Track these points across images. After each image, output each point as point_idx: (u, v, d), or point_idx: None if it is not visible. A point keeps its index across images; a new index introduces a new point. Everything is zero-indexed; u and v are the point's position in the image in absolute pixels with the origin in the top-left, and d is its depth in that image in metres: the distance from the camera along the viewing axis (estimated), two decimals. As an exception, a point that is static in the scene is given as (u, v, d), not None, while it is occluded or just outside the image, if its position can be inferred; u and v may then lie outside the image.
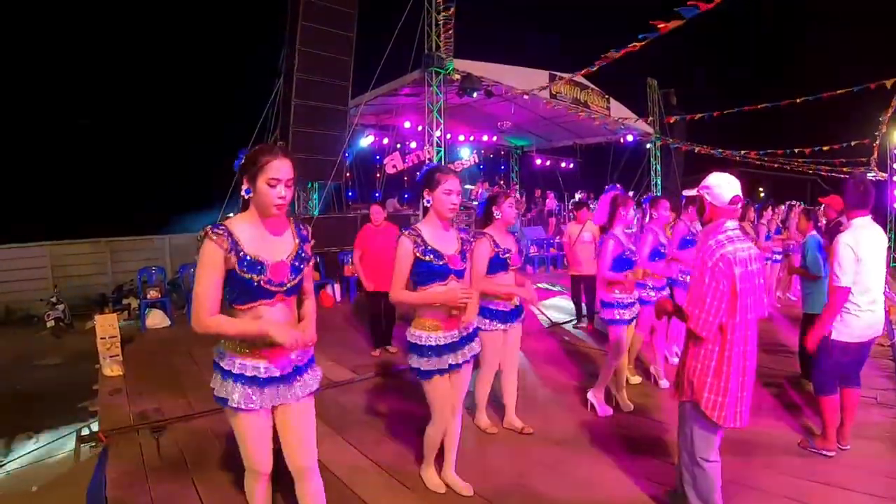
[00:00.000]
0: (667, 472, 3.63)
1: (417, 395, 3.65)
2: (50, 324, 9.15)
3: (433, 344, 3.19)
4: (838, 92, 11.39)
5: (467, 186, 17.52)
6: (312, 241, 2.64)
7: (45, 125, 22.28)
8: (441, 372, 3.24)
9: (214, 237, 2.30)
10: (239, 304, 2.40)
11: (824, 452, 3.90)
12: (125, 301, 9.91)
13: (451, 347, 3.24)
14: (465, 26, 12.81)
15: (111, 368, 6.13)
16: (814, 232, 5.29)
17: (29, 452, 4.85)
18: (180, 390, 5.59)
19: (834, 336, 3.86)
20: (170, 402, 5.24)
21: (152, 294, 8.99)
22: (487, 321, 4.17)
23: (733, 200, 2.89)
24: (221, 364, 2.47)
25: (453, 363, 3.25)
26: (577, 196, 18.88)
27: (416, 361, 3.25)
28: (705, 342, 2.81)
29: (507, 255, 4.13)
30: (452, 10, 12.29)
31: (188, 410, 5.04)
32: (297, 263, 2.51)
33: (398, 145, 17.71)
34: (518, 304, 4.35)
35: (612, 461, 3.94)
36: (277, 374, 2.47)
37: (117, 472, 3.91)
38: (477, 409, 4.56)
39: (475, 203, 15.47)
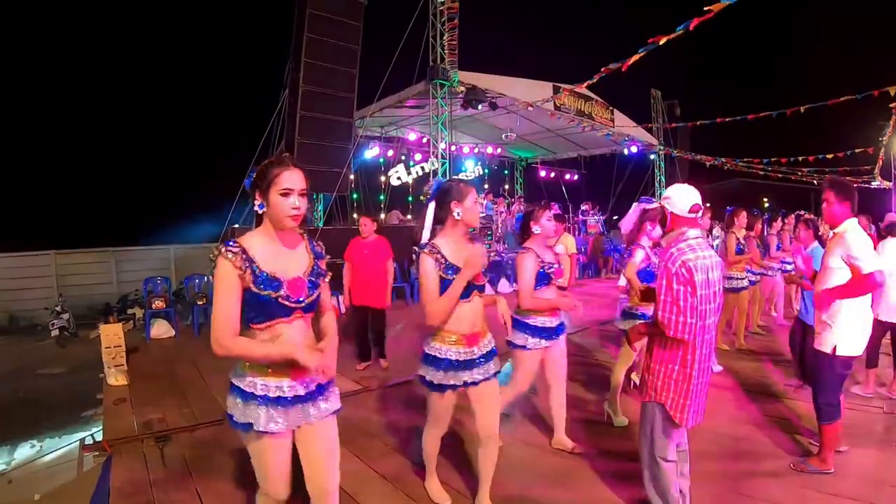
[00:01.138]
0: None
1: (422, 407, 3.63)
2: (54, 332, 9.18)
3: (451, 358, 3.09)
4: (841, 99, 11.45)
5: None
6: (328, 257, 2.58)
7: (53, 134, 22.42)
8: (454, 388, 3.13)
9: (228, 255, 2.25)
10: (256, 324, 2.33)
11: (822, 472, 3.80)
12: (130, 311, 9.95)
13: (469, 364, 3.13)
14: (469, 39, 12.91)
15: (116, 378, 6.14)
16: (815, 242, 5.28)
17: (32, 461, 4.85)
18: (184, 400, 5.60)
19: (840, 351, 3.76)
20: (174, 412, 5.24)
21: (157, 304, 9.01)
22: (529, 338, 4.01)
23: (692, 209, 3.01)
24: (241, 386, 2.35)
25: (468, 381, 3.13)
26: (582, 207, 18.91)
27: (429, 374, 3.14)
28: (670, 347, 2.95)
29: (550, 269, 4.04)
30: (456, 21, 12.37)
31: (192, 420, 5.03)
32: (313, 279, 2.45)
33: (403, 157, 17.76)
34: (562, 319, 4.21)
35: (616, 470, 3.92)
36: (302, 392, 2.38)
37: (121, 481, 3.90)
38: (506, 420, 4.33)
39: (481, 215, 15.45)
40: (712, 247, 3.84)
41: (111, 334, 6.37)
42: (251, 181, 2.39)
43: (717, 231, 10.68)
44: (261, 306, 2.30)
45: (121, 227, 17.37)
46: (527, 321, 4.02)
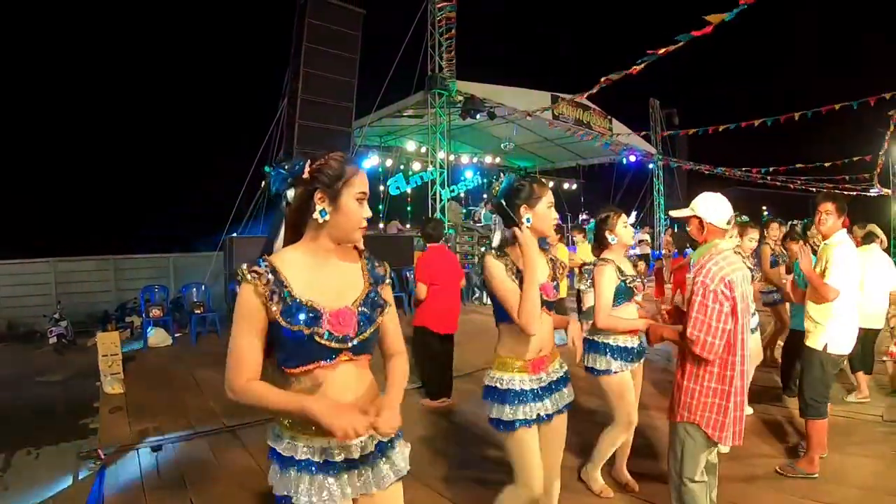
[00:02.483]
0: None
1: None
2: (52, 340, 9.19)
3: (518, 388, 2.61)
4: (837, 106, 11.50)
5: (471, 208, 17.59)
6: (389, 281, 2.03)
7: (53, 141, 22.48)
8: (528, 423, 2.60)
9: (250, 277, 1.74)
10: (290, 367, 1.80)
11: (808, 475, 3.85)
12: (128, 319, 9.98)
13: (539, 394, 2.65)
14: (467, 49, 12.99)
15: (112, 386, 6.17)
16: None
17: (28, 468, 4.85)
18: (181, 409, 5.62)
19: (831, 349, 3.87)
20: (170, 422, 5.25)
21: (155, 313, 9.05)
22: (612, 361, 3.56)
23: (729, 221, 2.92)
24: (279, 450, 1.84)
25: (542, 413, 2.63)
26: (581, 217, 18.95)
27: (496, 411, 2.62)
28: (706, 364, 2.79)
29: (633, 283, 3.59)
30: (454, 31, 12.45)
31: (188, 429, 5.05)
32: (366, 310, 1.87)
33: (401, 167, 17.81)
34: (641, 339, 3.69)
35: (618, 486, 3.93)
36: (356, 455, 1.84)
37: (116, 490, 3.93)
38: (592, 465, 3.81)
39: (479, 225, 15.50)
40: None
41: (108, 342, 6.41)
42: (294, 177, 1.83)
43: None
44: (294, 345, 1.77)
45: (120, 234, 17.41)
46: (607, 342, 3.59)
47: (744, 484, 3.77)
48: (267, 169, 1.90)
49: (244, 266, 1.76)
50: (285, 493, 1.80)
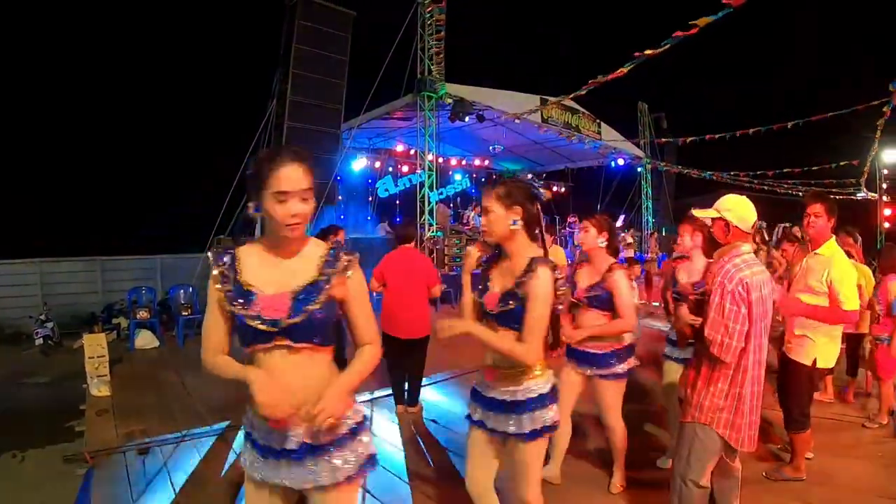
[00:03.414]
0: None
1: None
2: (38, 342, 9.12)
3: (474, 385, 2.70)
4: (828, 115, 11.63)
5: (460, 210, 17.62)
6: (350, 273, 2.01)
7: (38, 141, 22.30)
8: (470, 420, 2.70)
9: (215, 264, 1.95)
10: (243, 346, 1.95)
11: (795, 479, 3.90)
12: (115, 321, 9.90)
13: (479, 398, 2.66)
14: (457, 51, 13.02)
15: (99, 389, 6.13)
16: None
17: (14, 472, 4.83)
18: (168, 412, 5.60)
19: (820, 364, 3.86)
20: (157, 424, 5.24)
21: (142, 314, 9.00)
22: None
23: (753, 224, 2.93)
24: (244, 421, 2.07)
25: (475, 417, 2.66)
26: (569, 220, 19.02)
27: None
28: (720, 365, 2.77)
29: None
30: (443, 33, 12.48)
31: (175, 432, 5.03)
32: (303, 297, 1.91)
33: (390, 169, 17.82)
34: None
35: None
36: (276, 447, 1.92)
37: (103, 493, 3.93)
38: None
39: (467, 228, 15.54)
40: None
41: (94, 344, 6.37)
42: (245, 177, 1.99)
43: None
44: (238, 326, 1.92)
45: (106, 235, 17.27)
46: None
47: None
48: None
49: (211, 253, 1.99)
50: (243, 463, 2.02)
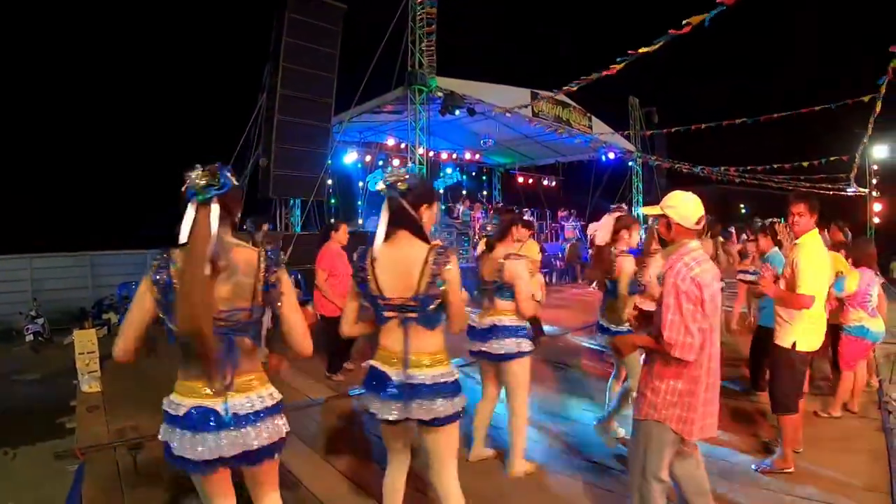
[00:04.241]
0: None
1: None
2: (29, 338, 9.10)
3: None
4: (817, 108, 11.69)
5: (450, 204, 17.61)
6: (278, 269, 2.30)
7: (28, 137, 22.15)
8: None
9: (153, 262, 2.33)
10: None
11: (784, 471, 3.97)
12: (105, 316, 9.88)
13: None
14: (448, 44, 12.98)
15: (89, 385, 6.12)
16: (775, 248, 5.42)
17: (5, 468, 4.82)
18: (158, 408, 5.55)
19: (799, 347, 3.96)
20: (147, 420, 5.21)
21: (132, 309, 8.96)
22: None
23: (699, 220, 2.89)
24: (166, 408, 2.39)
25: None
26: (560, 214, 19.07)
27: None
28: (675, 363, 2.75)
29: None
30: (434, 27, 12.44)
31: (166, 427, 5.02)
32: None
33: (381, 163, 17.78)
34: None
35: (592, 481, 3.99)
36: (223, 416, 2.24)
37: (94, 489, 3.92)
38: None
39: (458, 221, 15.54)
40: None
41: (85, 340, 6.35)
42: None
43: None
44: None
45: (96, 230, 17.21)
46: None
47: (721, 479, 3.82)
48: None
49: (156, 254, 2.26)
50: (166, 441, 2.25)
